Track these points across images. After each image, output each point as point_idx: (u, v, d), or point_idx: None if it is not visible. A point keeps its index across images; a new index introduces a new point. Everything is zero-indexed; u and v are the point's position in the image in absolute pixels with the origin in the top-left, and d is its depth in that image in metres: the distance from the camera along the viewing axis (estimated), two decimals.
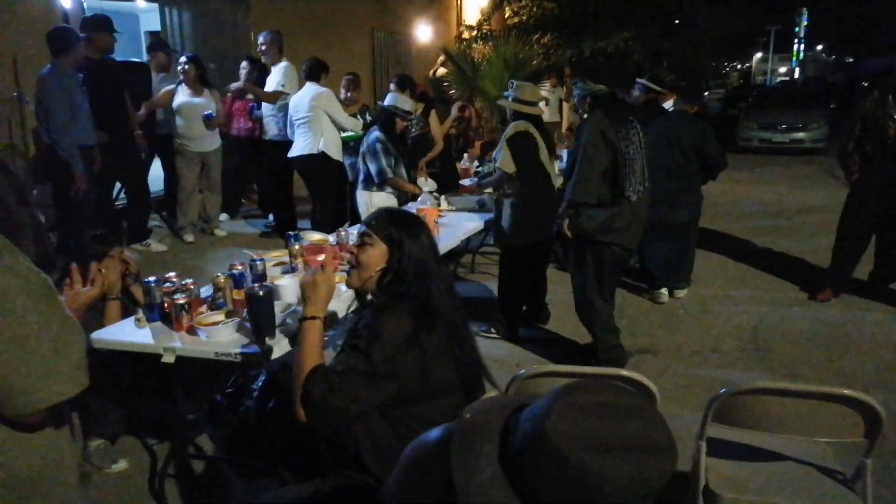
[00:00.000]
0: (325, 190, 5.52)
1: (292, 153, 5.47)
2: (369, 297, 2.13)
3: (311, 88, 5.32)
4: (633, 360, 4.14)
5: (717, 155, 5.13)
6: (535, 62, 10.83)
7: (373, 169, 4.76)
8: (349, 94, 5.84)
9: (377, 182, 4.81)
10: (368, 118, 5.86)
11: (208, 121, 5.75)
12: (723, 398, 2.09)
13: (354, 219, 5.24)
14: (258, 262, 3.05)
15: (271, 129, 6.13)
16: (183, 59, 5.81)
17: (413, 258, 1.96)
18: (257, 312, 2.34)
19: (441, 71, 11.79)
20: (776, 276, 5.73)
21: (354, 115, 5.71)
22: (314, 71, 5.36)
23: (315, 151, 5.30)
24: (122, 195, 6.19)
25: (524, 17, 13.71)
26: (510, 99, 4.12)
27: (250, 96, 6.45)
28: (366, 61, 11.00)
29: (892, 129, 4.58)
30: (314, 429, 1.85)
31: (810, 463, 2.24)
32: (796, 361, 4.06)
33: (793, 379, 3.84)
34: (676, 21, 12.36)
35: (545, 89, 11.73)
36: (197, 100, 5.74)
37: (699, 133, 5.16)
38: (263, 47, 6.19)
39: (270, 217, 6.62)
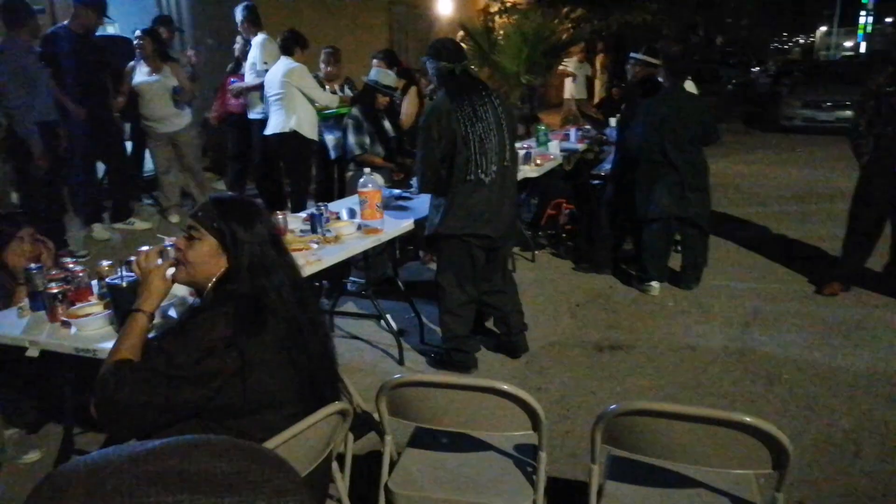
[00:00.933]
0: (300, 169, 5.33)
1: (266, 131, 5.28)
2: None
3: (283, 63, 5.10)
4: (601, 357, 3.84)
5: (713, 137, 4.78)
6: (556, 36, 10.37)
7: (345, 146, 4.63)
8: (328, 68, 5.62)
9: (348, 159, 4.66)
10: (348, 92, 5.63)
11: (177, 95, 5.56)
12: (609, 417, 1.80)
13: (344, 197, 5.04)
14: (169, 247, 2.87)
15: (256, 106, 5.96)
16: (137, 32, 5.54)
17: (246, 251, 1.73)
18: (118, 304, 2.15)
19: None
20: (786, 266, 5.30)
21: (335, 91, 5.49)
22: (288, 44, 5.13)
23: (287, 130, 5.10)
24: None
25: None
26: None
27: (242, 72, 6.27)
28: (382, 38, 10.74)
29: None
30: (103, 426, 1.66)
31: (725, 493, 1.94)
32: (778, 364, 3.69)
33: (769, 384, 3.48)
34: None
35: (571, 65, 11.30)
36: (153, 78, 5.49)
37: (701, 113, 4.77)
38: (239, 23, 5.98)
39: None
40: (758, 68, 22.50)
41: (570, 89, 11.11)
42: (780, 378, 3.54)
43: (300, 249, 3.01)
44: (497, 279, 3.65)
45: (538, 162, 5.55)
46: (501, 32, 10.07)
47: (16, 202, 5.09)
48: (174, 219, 5.93)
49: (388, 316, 4.23)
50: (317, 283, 4.77)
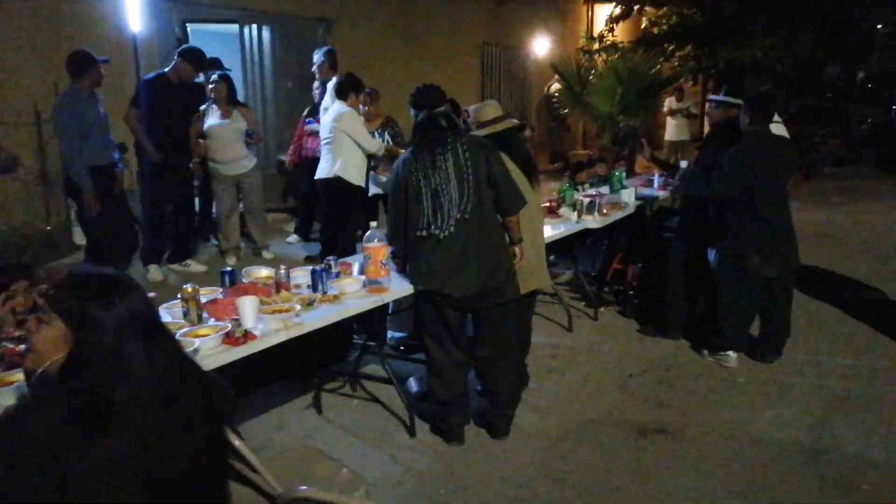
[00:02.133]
0: (343, 216, 5.14)
1: (316, 175, 5.17)
2: None
3: (335, 108, 4.98)
4: (641, 443, 3.31)
5: (818, 170, 4.15)
6: (652, 75, 9.79)
7: None
8: (366, 108, 5.46)
9: None
10: (387, 136, 5.48)
11: (250, 139, 5.61)
12: None
13: None
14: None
15: None
16: (214, 76, 5.64)
17: (95, 338, 1.46)
18: None
19: (556, 87, 11.10)
20: None
21: (373, 133, 5.35)
22: (342, 89, 5.00)
23: (331, 175, 4.96)
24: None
25: (663, 27, 12.58)
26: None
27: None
28: (473, 78, 10.59)
29: None
30: None
31: None
32: (861, 466, 3.01)
33: (844, 493, 2.83)
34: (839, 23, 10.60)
35: (672, 105, 10.65)
36: (226, 121, 5.58)
37: (793, 159, 4.17)
38: (316, 67, 5.96)
39: None
40: None
41: (669, 131, 10.47)
42: (858, 486, 2.88)
43: (280, 311, 2.77)
44: (487, 347, 3.25)
45: (605, 211, 5.09)
46: (593, 72, 9.63)
47: (79, 242, 5.25)
48: (231, 261, 5.93)
49: (414, 378, 3.92)
50: (355, 337, 4.57)
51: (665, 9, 12.43)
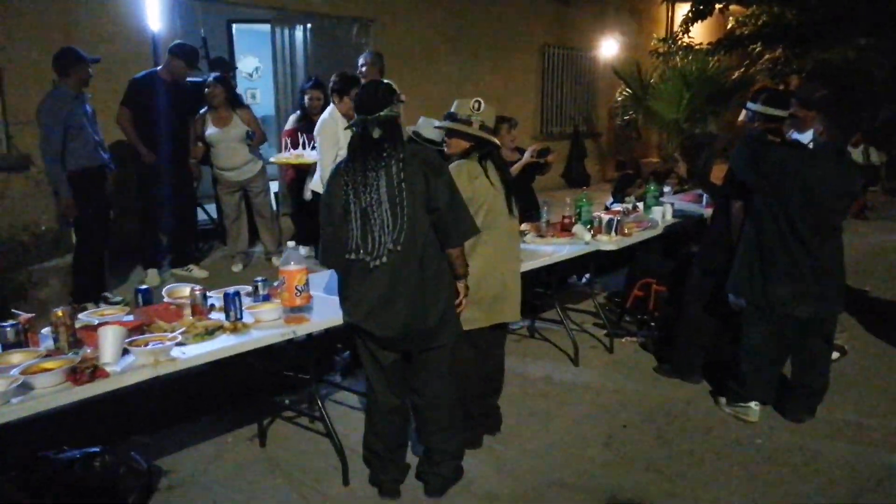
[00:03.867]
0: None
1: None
2: None
3: (327, 111, 4.60)
4: None
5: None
6: (735, 77, 8.90)
7: None
8: (340, 103, 4.97)
9: None
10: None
11: (251, 140, 5.33)
12: None
13: None
14: (7, 328, 2.44)
15: None
16: (210, 78, 5.37)
17: None
18: None
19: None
20: None
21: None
22: (332, 88, 4.61)
23: (312, 188, 4.57)
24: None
25: (752, 27, 11.53)
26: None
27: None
28: (532, 82, 10.01)
29: None
30: None
31: None
32: None
33: None
34: None
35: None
36: (224, 128, 5.30)
37: (852, 185, 3.42)
38: (363, 69, 5.59)
39: None
40: None
41: None
42: None
43: (155, 340, 2.41)
44: (418, 396, 2.83)
45: (626, 231, 4.49)
46: (657, 76, 8.87)
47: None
48: (236, 268, 5.71)
49: None
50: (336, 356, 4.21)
51: (753, 7, 11.38)
